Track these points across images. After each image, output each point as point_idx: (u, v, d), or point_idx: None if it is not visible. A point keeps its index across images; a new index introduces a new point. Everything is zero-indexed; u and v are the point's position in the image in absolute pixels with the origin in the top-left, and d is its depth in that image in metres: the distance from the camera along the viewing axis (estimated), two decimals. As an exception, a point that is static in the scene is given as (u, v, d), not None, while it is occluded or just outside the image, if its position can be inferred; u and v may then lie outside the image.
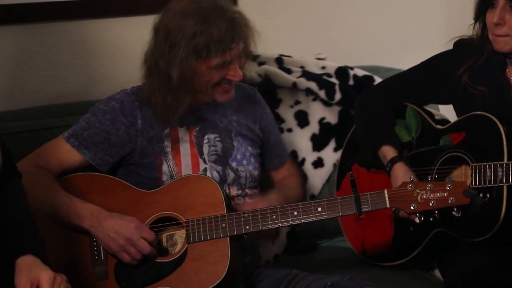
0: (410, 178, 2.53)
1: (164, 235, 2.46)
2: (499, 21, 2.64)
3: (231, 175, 2.55)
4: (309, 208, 2.39)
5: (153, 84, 2.47)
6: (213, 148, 2.55)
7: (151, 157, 2.51)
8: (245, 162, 2.58)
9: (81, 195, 2.46)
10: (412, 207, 2.35)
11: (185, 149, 2.53)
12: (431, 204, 2.34)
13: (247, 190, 2.58)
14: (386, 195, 2.37)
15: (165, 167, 2.51)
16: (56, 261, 2.36)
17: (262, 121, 2.68)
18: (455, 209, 2.35)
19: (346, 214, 2.39)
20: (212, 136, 2.56)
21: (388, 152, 2.75)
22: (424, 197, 2.34)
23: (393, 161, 2.72)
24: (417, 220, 2.39)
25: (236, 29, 2.42)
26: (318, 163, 3.18)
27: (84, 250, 2.45)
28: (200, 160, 2.53)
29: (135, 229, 2.38)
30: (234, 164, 2.56)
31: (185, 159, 2.53)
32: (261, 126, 2.67)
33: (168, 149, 2.52)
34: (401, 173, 2.67)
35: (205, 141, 2.55)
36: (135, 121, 2.51)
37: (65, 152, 2.51)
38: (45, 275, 1.98)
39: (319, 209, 2.38)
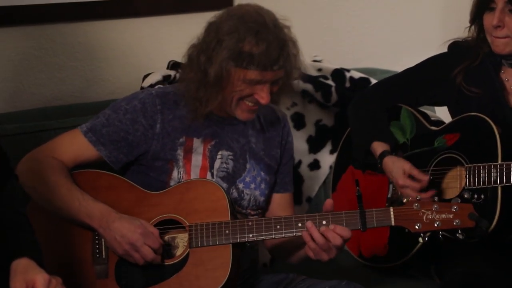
0: (402, 170, 2.55)
1: (166, 237, 2.45)
2: (499, 24, 2.65)
3: (234, 195, 2.53)
4: (313, 221, 2.36)
5: (190, 75, 2.47)
6: (224, 165, 2.53)
7: (162, 162, 2.51)
8: (253, 186, 2.56)
9: (87, 192, 2.45)
10: (417, 227, 2.34)
11: (197, 160, 2.52)
12: (436, 225, 2.33)
13: (249, 211, 2.57)
14: (392, 213, 2.37)
15: (175, 174, 2.50)
16: (57, 258, 2.38)
17: (285, 145, 2.66)
18: (459, 232, 2.34)
19: (351, 229, 2.36)
20: (226, 153, 2.54)
21: (377, 148, 2.76)
22: (430, 217, 2.34)
23: (382, 156, 2.73)
24: (421, 240, 2.38)
25: (285, 55, 2.41)
26: (315, 165, 3.19)
27: (86, 247, 2.45)
28: (209, 174, 2.52)
29: (141, 235, 2.36)
30: (241, 186, 2.55)
31: (195, 170, 2.51)
32: (282, 150, 2.66)
33: (180, 157, 2.51)
34: (390, 166, 2.69)
35: (219, 156, 2.53)
36: (154, 124, 2.50)
37: (82, 146, 2.50)
38: (40, 278, 1.98)
39: (324, 222, 2.36)
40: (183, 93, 2.52)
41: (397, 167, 2.69)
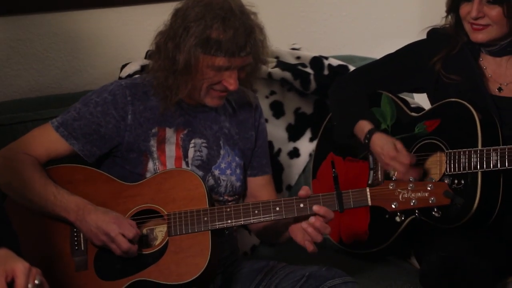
0: (394, 144, 2.61)
1: (144, 229, 2.44)
2: (479, 15, 2.66)
3: (211, 182, 2.54)
4: (291, 204, 2.39)
5: (158, 62, 2.47)
6: (198, 154, 2.53)
7: (136, 153, 2.50)
8: (228, 171, 2.56)
9: (63, 187, 2.44)
10: (393, 206, 2.37)
11: (170, 150, 2.52)
12: (412, 204, 2.36)
13: (227, 197, 2.57)
14: (368, 193, 2.39)
15: (150, 165, 2.50)
16: (35, 251, 2.37)
17: (258, 126, 2.67)
18: (435, 209, 2.37)
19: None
20: (199, 141, 2.54)
21: (365, 126, 2.76)
22: (406, 196, 2.37)
23: (371, 132, 2.73)
24: (397, 219, 2.40)
25: (252, 41, 2.41)
26: (294, 153, 3.19)
27: (64, 240, 2.44)
28: (183, 163, 2.52)
29: (115, 224, 2.36)
30: (216, 172, 2.55)
31: (169, 160, 2.51)
32: (256, 132, 2.66)
33: (154, 149, 2.51)
34: (381, 140, 2.70)
35: (191, 145, 2.54)
36: (125, 115, 2.49)
37: (54, 141, 2.49)
38: (20, 266, 1.96)
39: (301, 205, 2.39)
40: (151, 83, 2.52)
41: (389, 142, 2.69)
